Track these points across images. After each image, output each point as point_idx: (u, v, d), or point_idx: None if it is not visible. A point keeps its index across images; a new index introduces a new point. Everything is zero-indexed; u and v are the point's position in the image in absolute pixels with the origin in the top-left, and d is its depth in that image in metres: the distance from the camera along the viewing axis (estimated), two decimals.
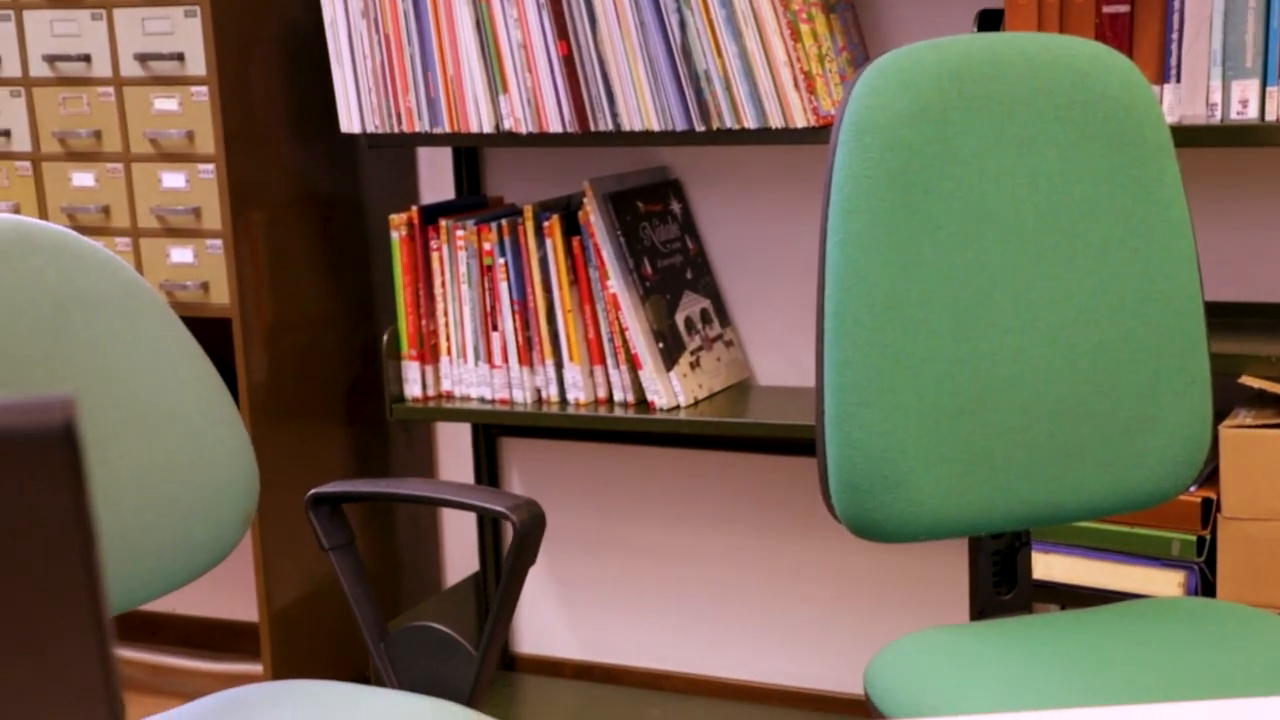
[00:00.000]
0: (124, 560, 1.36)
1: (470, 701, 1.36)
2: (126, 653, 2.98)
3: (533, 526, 1.49)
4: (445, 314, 2.57)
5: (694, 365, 2.53)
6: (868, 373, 1.43)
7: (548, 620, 2.90)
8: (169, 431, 1.44)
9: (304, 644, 2.62)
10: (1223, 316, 2.23)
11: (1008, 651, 1.39)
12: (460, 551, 2.96)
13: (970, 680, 1.34)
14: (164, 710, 1.43)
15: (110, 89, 2.49)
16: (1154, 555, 2.07)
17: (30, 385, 1.33)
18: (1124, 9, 2.04)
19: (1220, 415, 1.97)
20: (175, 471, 1.44)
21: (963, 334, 1.46)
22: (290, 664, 2.58)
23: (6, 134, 2.57)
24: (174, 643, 3.04)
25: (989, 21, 2.16)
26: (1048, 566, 2.13)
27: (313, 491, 1.57)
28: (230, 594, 2.99)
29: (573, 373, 2.51)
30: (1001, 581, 1.54)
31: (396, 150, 2.81)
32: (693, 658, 2.79)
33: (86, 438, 1.37)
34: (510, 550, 1.48)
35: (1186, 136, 1.92)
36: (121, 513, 1.39)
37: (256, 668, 2.83)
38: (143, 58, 2.45)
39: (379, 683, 1.52)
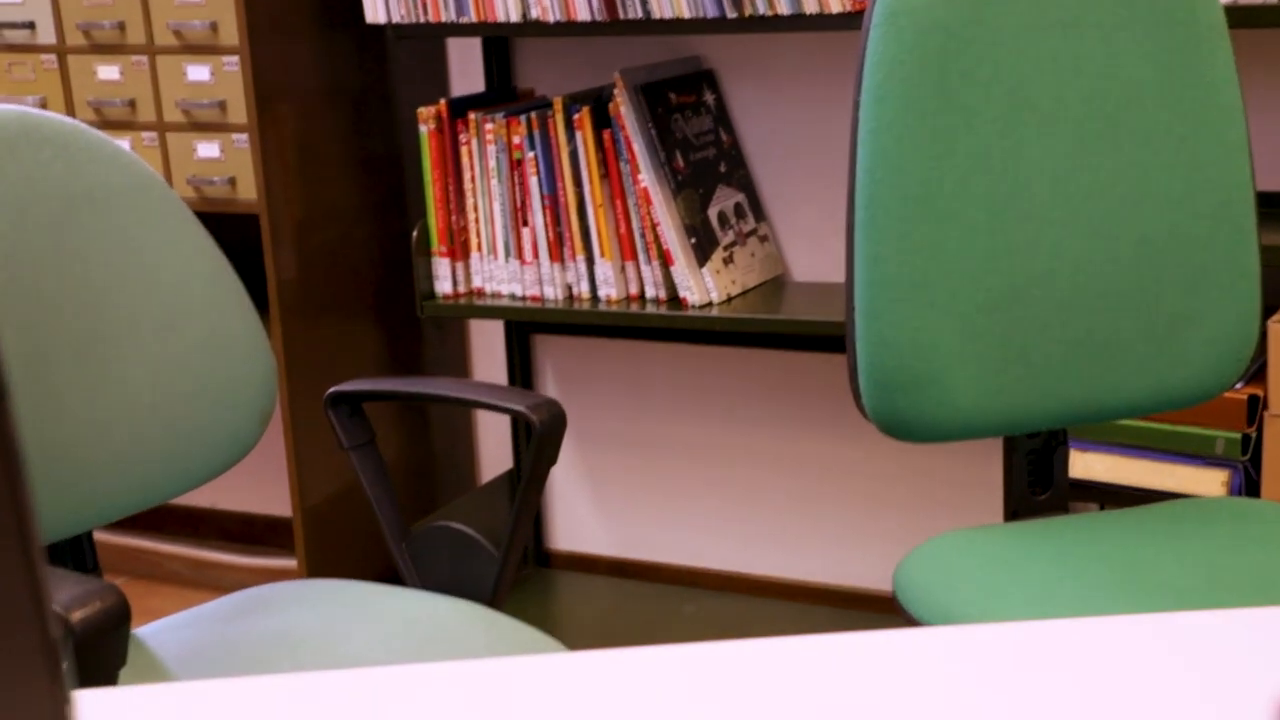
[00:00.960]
0: (139, 457, 1.35)
1: (492, 601, 1.34)
2: (168, 547, 3.00)
3: (553, 426, 1.46)
4: (475, 209, 2.53)
5: (727, 261, 2.49)
6: (899, 267, 1.38)
7: (581, 517, 2.89)
8: (183, 329, 1.41)
9: (337, 540, 2.62)
10: (1274, 207, 2.16)
11: (1042, 553, 1.35)
12: (494, 450, 2.95)
13: (1003, 582, 1.30)
14: (204, 601, 1.42)
15: None
16: (1197, 454, 2.02)
17: (39, 283, 1.30)
18: None
19: (1269, 310, 1.91)
20: (191, 369, 1.41)
21: (999, 226, 1.41)
22: (323, 560, 2.58)
23: (31, 26, 2.53)
24: (215, 537, 3.06)
25: None
26: (1086, 465, 2.08)
27: (331, 390, 1.55)
28: (270, 490, 2.99)
29: (604, 269, 2.47)
30: (1037, 482, 1.50)
31: (425, 42, 2.75)
32: (725, 554, 2.77)
33: (98, 333, 1.34)
34: (530, 450, 1.45)
35: (1241, 16, 1.84)
36: (136, 410, 1.36)
37: (291, 563, 2.84)
38: None
39: (404, 582, 1.50)
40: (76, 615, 0.91)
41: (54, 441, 1.27)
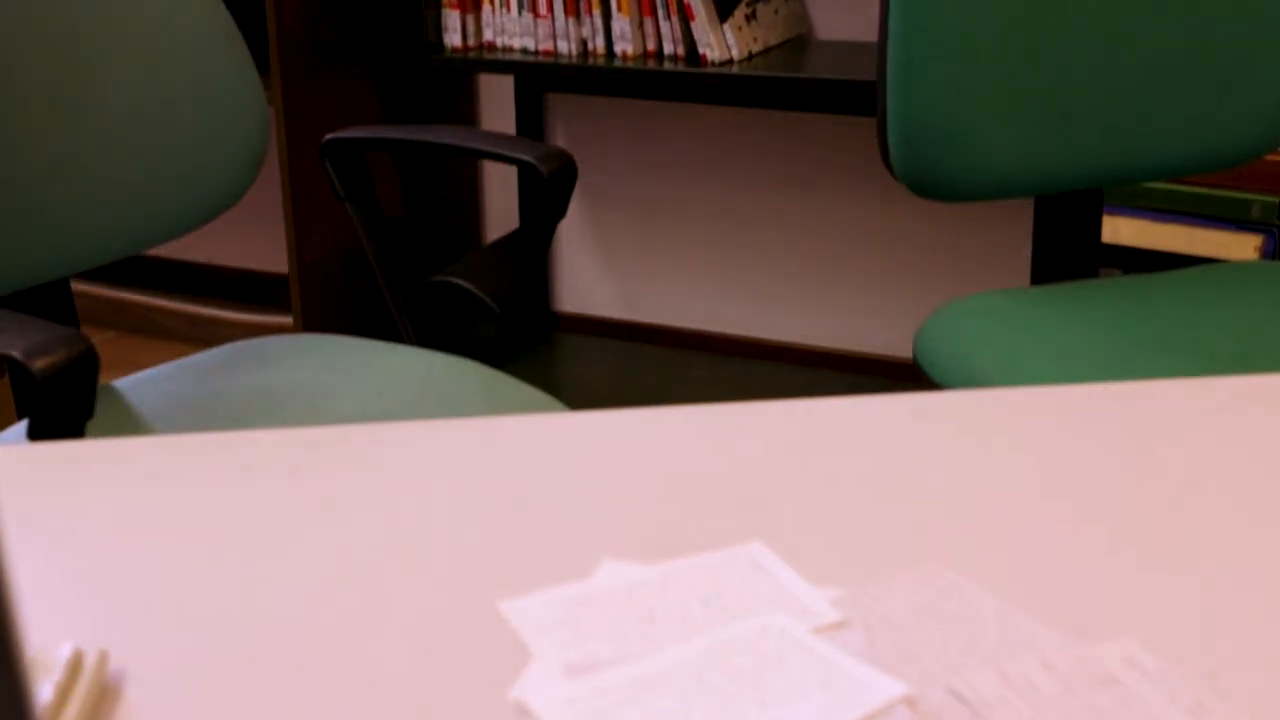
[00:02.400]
0: (119, 202, 1.27)
1: (493, 361, 1.28)
2: (162, 302, 2.94)
3: (562, 178, 1.37)
4: None
5: (749, 17, 2.36)
6: (935, 17, 1.27)
7: (589, 278, 2.82)
8: (169, 70, 1.32)
9: (335, 297, 2.55)
10: None
11: (1070, 317, 1.28)
12: (500, 208, 2.86)
13: (1030, 347, 1.23)
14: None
15: None
16: (1231, 218, 1.93)
17: (22, 21, 1.20)
18: None
19: None
20: (178, 112, 1.32)
21: None
22: (321, 317, 2.52)
23: None
24: (211, 293, 3.00)
25: None
26: (1114, 229, 1.99)
27: (329, 137, 1.46)
28: (268, 246, 2.92)
29: (621, 23, 2.34)
30: (1067, 244, 1.42)
31: None
32: (737, 319, 2.71)
33: (74, 71, 1.25)
34: (538, 202, 1.37)
35: None
36: (116, 153, 1.28)
37: (288, 319, 2.79)
38: None
39: (402, 341, 1.44)
40: (39, 363, 0.85)
41: (26, 183, 1.19)
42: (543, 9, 2.39)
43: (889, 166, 1.32)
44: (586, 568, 0.66)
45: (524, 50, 2.42)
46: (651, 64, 2.33)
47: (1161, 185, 1.93)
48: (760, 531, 0.68)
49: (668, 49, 2.35)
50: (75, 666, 0.60)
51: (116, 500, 0.74)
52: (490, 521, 0.71)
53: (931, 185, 1.30)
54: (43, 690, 0.58)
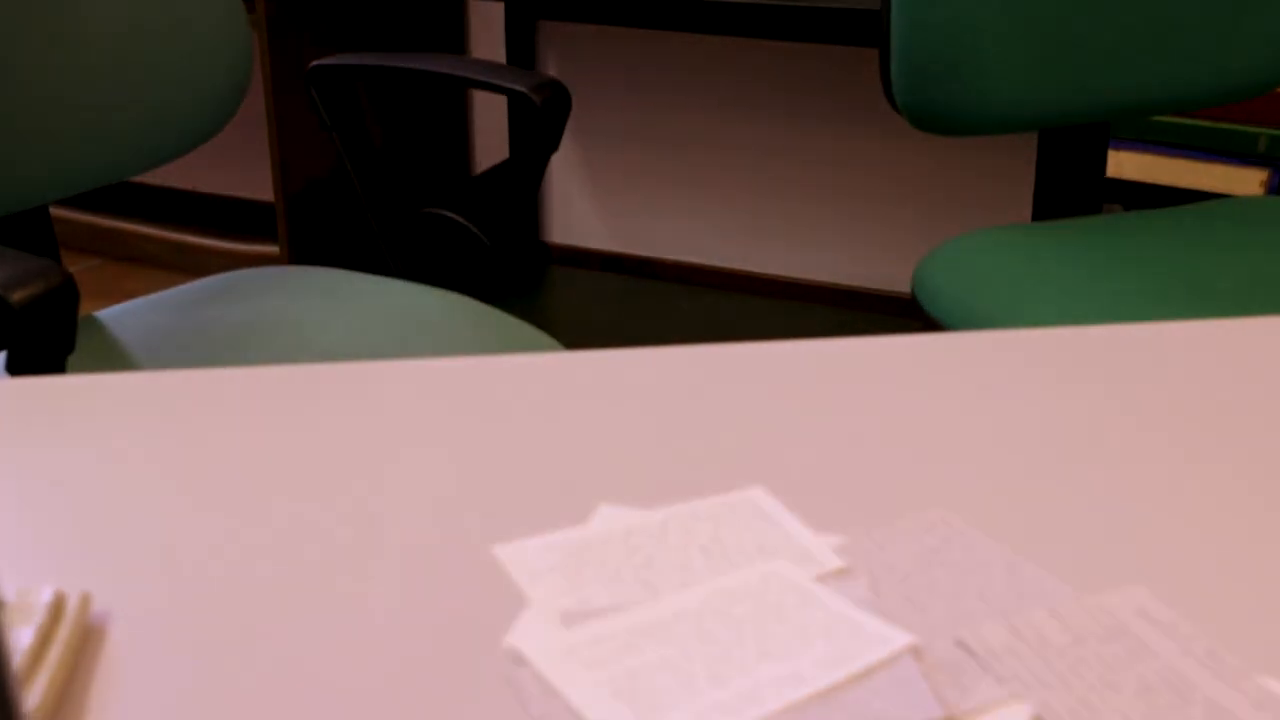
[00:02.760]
0: (98, 128, 1.24)
1: (482, 295, 1.26)
2: (147, 229, 2.91)
3: (556, 107, 1.34)
4: None
5: None
6: None
7: (581, 210, 2.79)
8: None
9: (322, 228, 2.52)
10: None
11: (1073, 254, 1.26)
12: (490, 138, 2.82)
13: (1032, 284, 1.21)
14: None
15: None
16: (1236, 152, 1.90)
17: None
18: None
19: None
20: (159, 38, 1.29)
21: None
22: (307, 248, 2.49)
23: None
24: (196, 221, 2.96)
25: None
26: (1118, 164, 1.97)
27: (314, 64, 1.42)
28: (254, 174, 2.89)
29: None
30: (1071, 180, 1.39)
31: None
32: (732, 252, 2.68)
33: (64, 1, 1.21)
34: (530, 133, 1.34)
35: None
36: (94, 77, 1.25)
37: (274, 248, 2.76)
38: None
39: (391, 274, 1.41)
40: (17, 295, 0.82)
41: (3, 110, 1.16)
42: None
43: (891, 99, 1.29)
44: (583, 512, 0.65)
45: None
46: None
47: (1166, 118, 1.90)
48: (761, 476, 0.67)
49: None
50: (57, 610, 0.58)
51: (98, 438, 0.72)
52: (484, 463, 0.69)
53: (935, 119, 1.27)
54: (24, 634, 0.56)
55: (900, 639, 0.55)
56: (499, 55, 2.74)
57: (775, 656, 0.54)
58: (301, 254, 2.47)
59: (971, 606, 0.57)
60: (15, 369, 0.87)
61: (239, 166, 2.91)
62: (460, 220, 1.37)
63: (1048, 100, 1.29)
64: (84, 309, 2.61)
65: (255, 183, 2.92)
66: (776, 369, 0.77)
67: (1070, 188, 1.38)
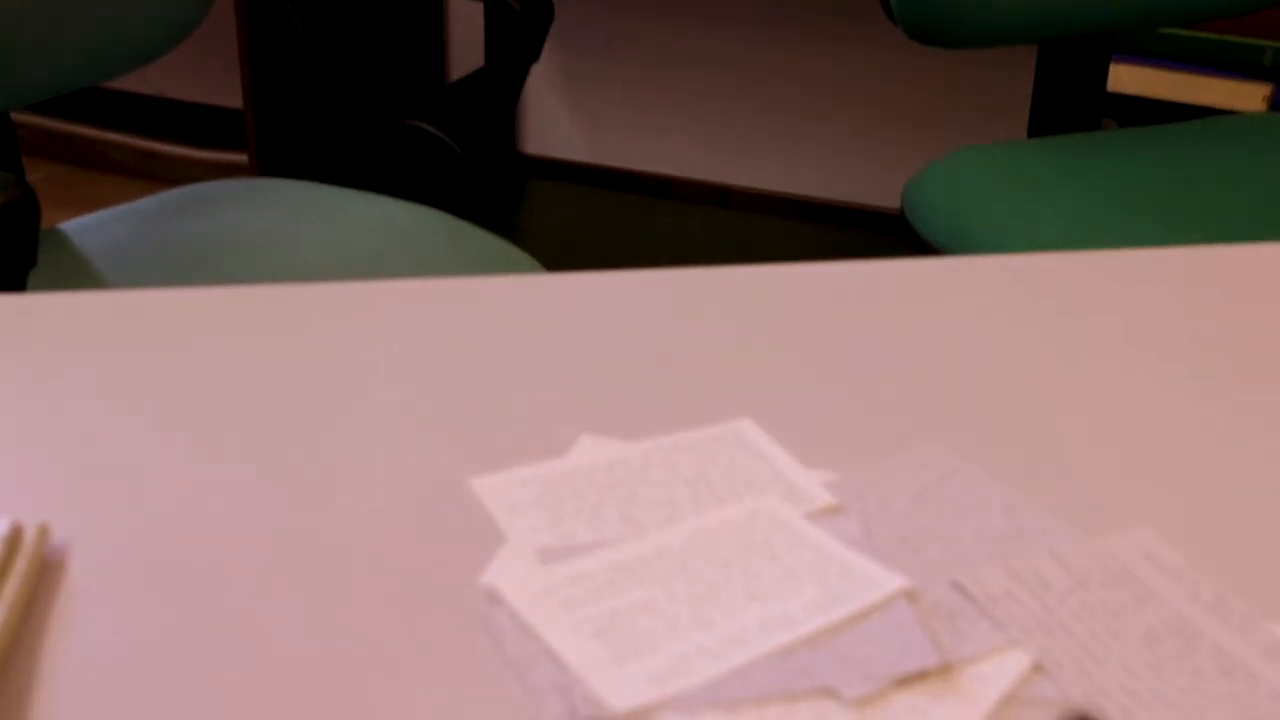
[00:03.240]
0: (67, 36, 1.19)
1: (456, 206, 1.22)
2: (114, 135, 2.84)
3: (536, 16, 1.30)
4: None
5: None
6: None
7: (559, 121, 2.73)
8: None
9: (292, 137, 2.47)
10: None
11: (1070, 172, 1.23)
12: (466, 47, 2.76)
13: (1026, 204, 1.18)
14: (150, 194, 1.29)
15: None
16: (1241, 66, 1.86)
17: None
18: None
19: None
20: None
21: None
22: (276, 158, 2.44)
23: None
24: (163, 128, 2.90)
25: None
26: (1116, 78, 1.92)
27: None
28: (222, 80, 2.82)
29: None
30: (1070, 94, 1.36)
31: None
32: (715, 166, 2.64)
33: None
34: (509, 42, 1.29)
35: None
36: None
37: (242, 157, 2.70)
38: None
39: (363, 186, 1.37)
40: None
41: None
42: None
43: (887, 9, 1.25)
44: (563, 443, 0.62)
45: None
46: None
47: (1169, 30, 1.86)
48: (748, 408, 0.64)
49: None
50: (13, 541, 0.55)
51: (60, 360, 0.69)
52: (461, 391, 0.66)
53: (934, 30, 1.23)
54: None
55: (894, 582, 0.52)
56: None
57: (763, 598, 0.52)
58: (270, 163, 2.42)
59: (968, 548, 0.55)
60: None
61: (207, 72, 2.85)
62: (434, 131, 1.33)
63: (1051, 9, 1.25)
64: (47, 216, 2.56)
65: (224, 89, 2.85)
66: (766, 294, 0.75)
67: (1069, 103, 1.34)
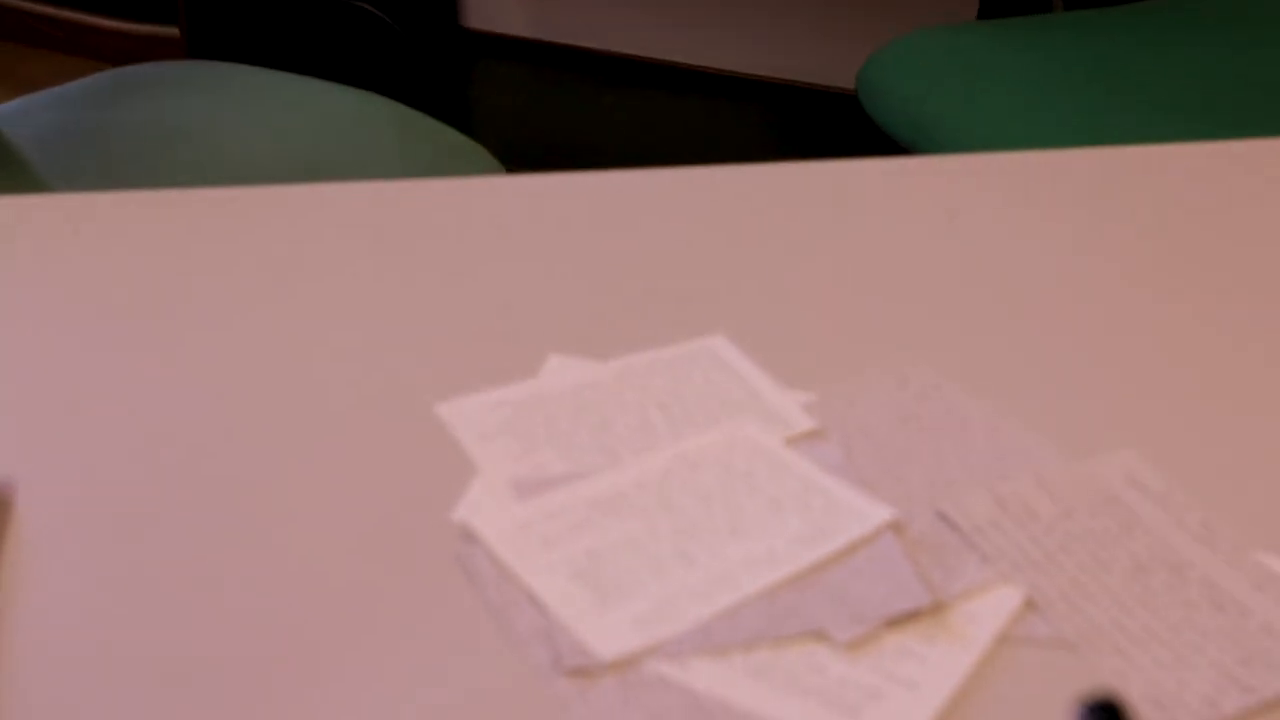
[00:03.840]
0: None
1: (398, 86, 1.17)
2: (42, 7, 2.73)
3: None
4: None
5: None
6: None
7: None
8: None
9: (227, 11, 2.38)
10: None
11: (1026, 55, 1.20)
12: None
13: (984, 87, 1.16)
14: (83, 74, 1.23)
15: None
16: None
17: None
18: None
19: None
20: None
21: None
22: (209, 34, 2.35)
23: None
24: (97, 2, 2.79)
25: None
26: None
27: None
28: None
29: None
30: None
31: None
32: (664, 42, 2.58)
33: None
34: None
35: None
36: None
37: (174, 30, 2.61)
38: None
39: (299, 70, 1.32)
40: None
41: None
42: None
43: None
44: (530, 362, 0.60)
45: None
46: None
47: None
48: (720, 322, 0.62)
49: None
50: None
51: None
52: (419, 305, 0.64)
53: None
54: None
55: (879, 513, 0.51)
56: None
57: (746, 533, 0.51)
58: (202, 39, 2.33)
59: (952, 473, 0.53)
60: None
61: None
62: (370, 9, 1.28)
63: None
64: None
65: None
66: (734, 196, 0.72)
67: None
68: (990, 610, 0.48)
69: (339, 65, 1.30)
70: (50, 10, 2.72)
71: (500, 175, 0.90)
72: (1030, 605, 0.48)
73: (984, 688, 0.45)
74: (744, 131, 2.41)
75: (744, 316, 0.62)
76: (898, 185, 0.73)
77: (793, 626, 0.47)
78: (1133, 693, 0.45)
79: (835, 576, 0.49)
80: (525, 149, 2.25)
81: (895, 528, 0.51)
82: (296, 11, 1.32)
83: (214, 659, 0.46)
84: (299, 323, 0.62)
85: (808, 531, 0.50)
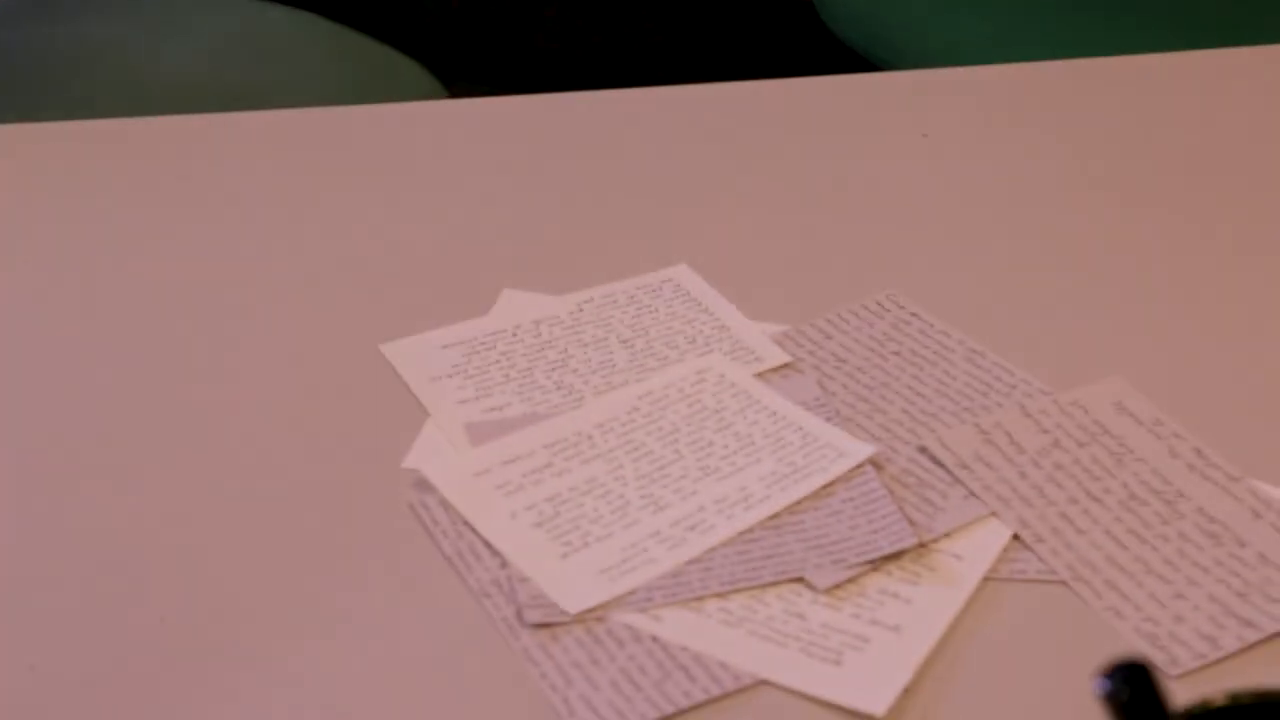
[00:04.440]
0: None
1: (327, 7, 1.12)
2: None
3: None
4: None
5: None
6: None
7: None
8: None
9: None
10: None
11: None
12: None
13: None
14: None
15: None
16: None
17: None
18: None
19: None
20: None
21: None
22: None
23: None
24: None
25: None
26: None
27: None
28: None
29: None
30: None
31: None
32: None
33: None
34: None
35: None
36: None
37: None
38: None
39: None
40: None
41: None
42: None
43: None
44: (482, 298, 0.56)
45: None
46: None
47: None
48: (683, 250, 0.58)
49: None
50: None
51: None
52: (360, 239, 0.60)
53: None
54: None
55: (859, 450, 0.48)
56: None
57: (718, 472, 0.48)
58: None
59: (933, 404, 0.51)
60: None
61: None
62: None
63: None
64: None
65: None
66: (691, 117, 0.68)
67: None
68: (977, 548, 0.45)
69: None
70: None
71: (443, 99, 0.85)
72: (1019, 542, 0.45)
73: (973, 630, 0.43)
74: (692, 43, 2.36)
75: (708, 245, 0.59)
76: (868, 103, 0.69)
77: (770, 572, 0.44)
78: (1128, 630, 0.43)
79: (814, 517, 0.46)
80: (468, 65, 2.19)
81: (875, 464, 0.48)
82: None
83: (159, 615, 0.43)
84: (229, 261, 0.58)
85: (783, 470, 0.48)
